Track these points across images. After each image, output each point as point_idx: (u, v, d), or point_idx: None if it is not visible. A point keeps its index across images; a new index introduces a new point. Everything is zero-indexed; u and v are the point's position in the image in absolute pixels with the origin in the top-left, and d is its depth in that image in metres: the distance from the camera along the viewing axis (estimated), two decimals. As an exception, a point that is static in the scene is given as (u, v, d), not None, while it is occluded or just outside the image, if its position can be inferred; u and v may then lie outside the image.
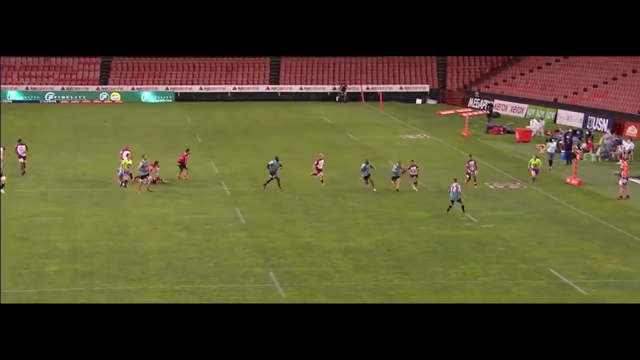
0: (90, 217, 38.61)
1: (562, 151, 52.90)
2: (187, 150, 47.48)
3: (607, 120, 64.02)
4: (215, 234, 36.15)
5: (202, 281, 30.23)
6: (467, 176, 44.72)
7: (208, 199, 42.32)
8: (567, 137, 55.49)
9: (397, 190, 43.40)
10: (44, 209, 39.65)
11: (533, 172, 45.74)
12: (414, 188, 43.71)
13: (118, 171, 44.41)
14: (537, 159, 46.80)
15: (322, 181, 44.98)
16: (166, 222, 37.97)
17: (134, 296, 28.60)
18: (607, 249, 34.36)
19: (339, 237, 35.71)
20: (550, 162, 50.38)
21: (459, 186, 39.44)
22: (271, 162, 43.92)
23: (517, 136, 61.27)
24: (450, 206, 39.29)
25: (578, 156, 50.91)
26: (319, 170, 45.17)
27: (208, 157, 52.33)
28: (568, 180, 46.90)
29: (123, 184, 43.67)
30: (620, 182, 43.69)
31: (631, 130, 62.08)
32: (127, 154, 45.22)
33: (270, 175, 43.56)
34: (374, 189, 43.51)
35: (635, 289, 29.69)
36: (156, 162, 44.47)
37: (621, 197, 43.22)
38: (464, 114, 71.56)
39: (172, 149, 52.68)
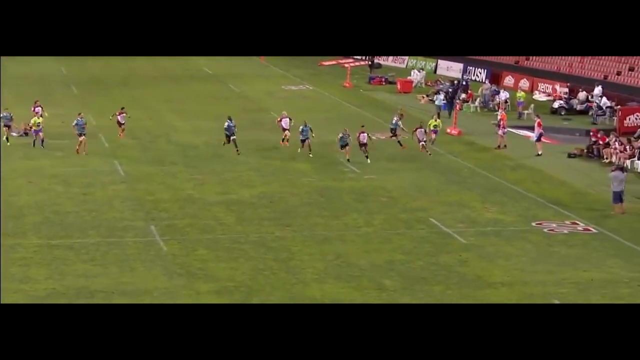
0: (-39, 170, 37.40)
1: (443, 102, 53.71)
2: (122, 108, 45.63)
3: (485, 71, 65.33)
4: (93, 187, 35.51)
5: (80, 235, 29.70)
6: (420, 144, 41.92)
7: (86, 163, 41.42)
8: (452, 88, 56.42)
9: (349, 160, 39.85)
10: None
11: (432, 134, 43.81)
12: (368, 161, 39.97)
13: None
14: (438, 120, 44.75)
15: (283, 140, 42.78)
16: (41, 175, 37.09)
17: (8, 251, 27.90)
18: (485, 198, 35.24)
19: (222, 190, 35.57)
20: (439, 114, 50.93)
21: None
22: (225, 124, 41.89)
23: (399, 87, 61.98)
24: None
25: (457, 106, 51.83)
26: (285, 130, 42.86)
27: (84, 108, 51.10)
28: (448, 130, 47.76)
29: (41, 144, 41.46)
30: (500, 132, 44.77)
31: (508, 80, 63.54)
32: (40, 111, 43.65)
33: (227, 137, 41.62)
34: (310, 154, 40.72)
35: (511, 237, 30.58)
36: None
37: (499, 146, 44.32)
38: (346, 65, 71.86)
39: (47, 99, 51.28)
